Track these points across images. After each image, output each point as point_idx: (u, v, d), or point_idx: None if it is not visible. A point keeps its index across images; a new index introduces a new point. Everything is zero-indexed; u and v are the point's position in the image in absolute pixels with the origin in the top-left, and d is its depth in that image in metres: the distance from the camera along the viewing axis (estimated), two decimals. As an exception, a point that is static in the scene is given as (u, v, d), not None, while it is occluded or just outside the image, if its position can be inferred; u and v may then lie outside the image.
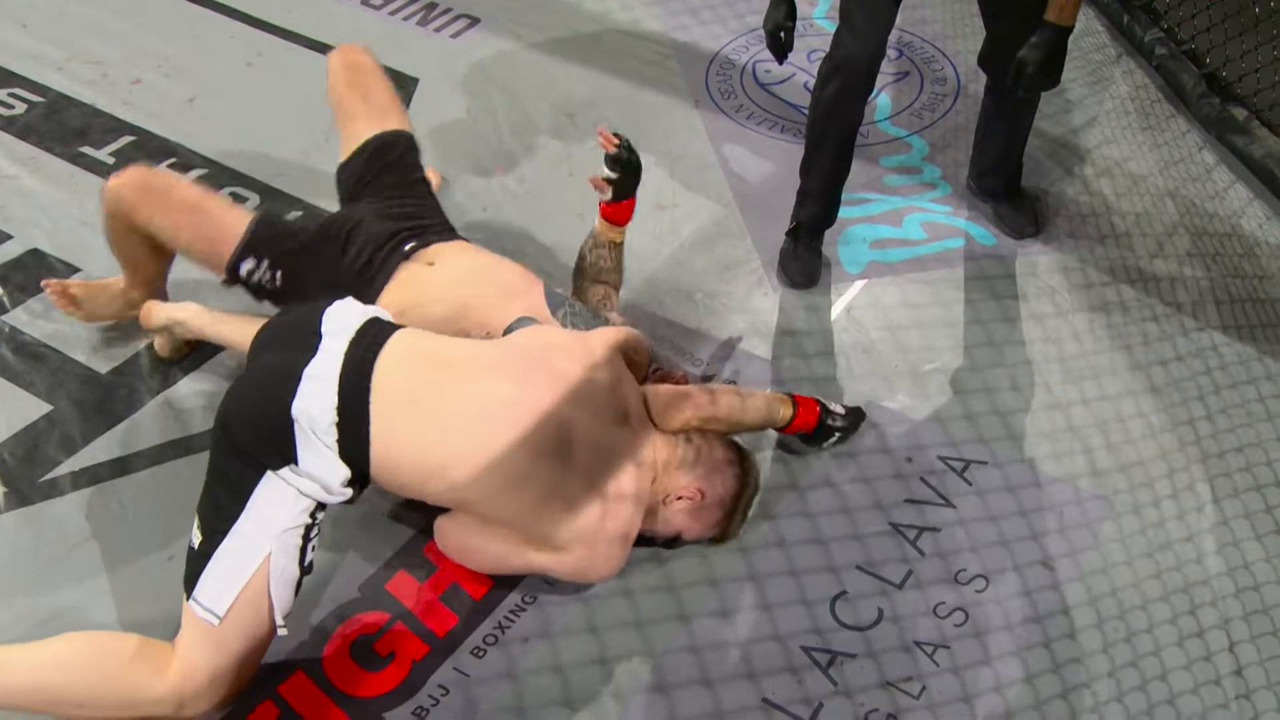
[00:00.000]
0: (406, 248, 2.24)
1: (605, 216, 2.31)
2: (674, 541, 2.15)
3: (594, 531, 1.94)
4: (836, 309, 2.70)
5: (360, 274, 2.20)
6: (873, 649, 2.05)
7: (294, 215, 2.83)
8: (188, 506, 1.84)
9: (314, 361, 1.81)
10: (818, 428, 2.26)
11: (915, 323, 2.68)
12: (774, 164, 3.11)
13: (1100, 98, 3.37)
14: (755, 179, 3.06)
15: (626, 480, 1.97)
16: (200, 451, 2.25)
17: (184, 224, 2.21)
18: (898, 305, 2.72)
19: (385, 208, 2.33)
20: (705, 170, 3.07)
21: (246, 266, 2.22)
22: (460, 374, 1.90)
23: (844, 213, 2.95)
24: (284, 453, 1.78)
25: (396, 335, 1.91)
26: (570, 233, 2.77)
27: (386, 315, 1.99)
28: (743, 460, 2.14)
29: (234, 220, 2.25)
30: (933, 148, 3.19)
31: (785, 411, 2.22)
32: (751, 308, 2.70)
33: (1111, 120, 3.30)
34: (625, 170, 2.26)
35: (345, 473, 1.82)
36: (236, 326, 2.27)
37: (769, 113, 3.28)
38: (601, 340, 2.07)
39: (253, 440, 1.78)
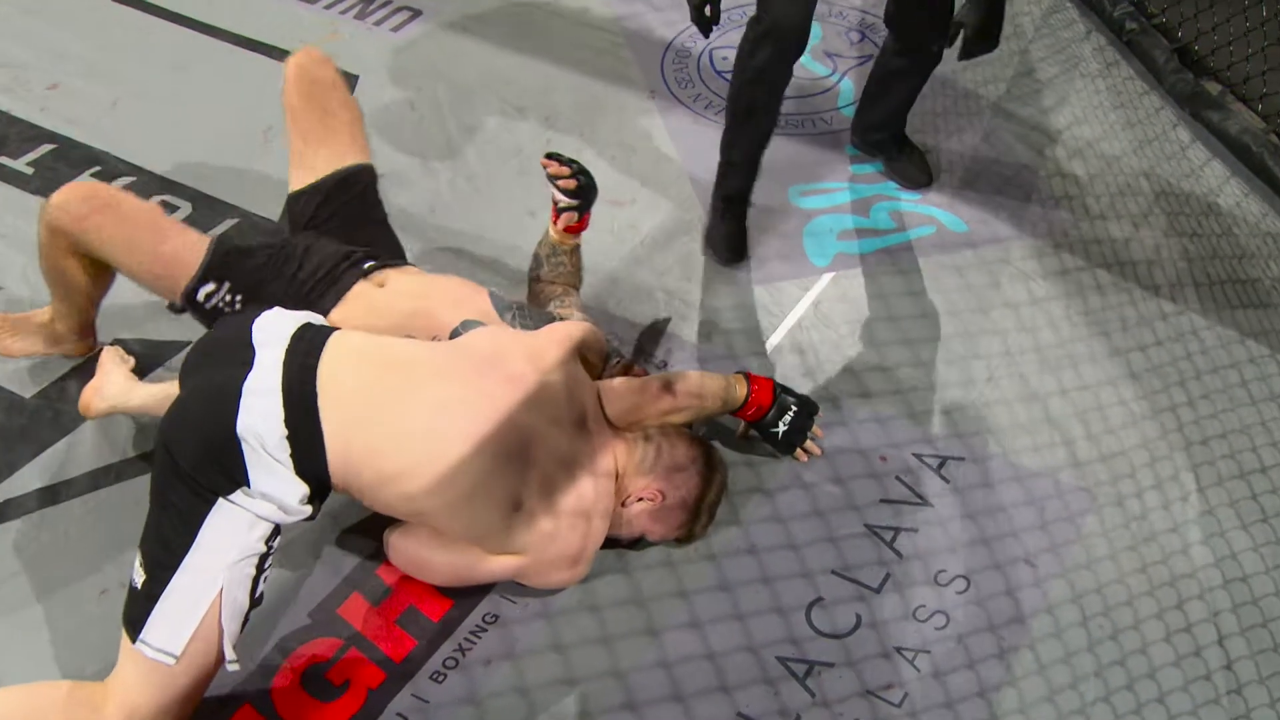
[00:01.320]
0: (365, 265, 2.25)
1: (566, 230, 2.35)
2: (639, 541, 2.18)
3: (554, 535, 1.96)
4: (804, 304, 2.72)
5: (315, 289, 2.20)
6: (851, 657, 2.07)
7: (230, 224, 2.81)
8: (121, 537, 1.83)
9: (252, 375, 1.80)
10: (773, 405, 2.26)
11: (886, 315, 2.70)
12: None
13: (1070, 76, 3.42)
14: (715, 167, 3.06)
15: (586, 485, 1.99)
16: (134, 477, 2.24)
17: (139, 242, 2.15)
18: (867, 298, 2.74)
19: (344, 238, 2.34)
20: (663, 163, 3.08)
21: (206, 290, 2.17)
22: (411, 377, 1.91)
23: (809, 203, 2.98)
24: (234, 476, 1.76)
25: (335, 337, 1.91)
26: (523, 232, 2.79)
27: (319, 319, 2.00)
28: (706, 458, 2.16)
29: (192, 243, 2.20)
30: (899, 133, 3.22)
31: (741, 390, 2.23)
32: (715, 305, 2.71)
33: (1082, 99, 3.35)
34: (585, 196, 2.31)
35: (303, 489, 1.81)
36: None
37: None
38: (552, 339, 2.08)
39: (199, 467, 1.76)
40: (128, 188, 2.88)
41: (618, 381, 2.14)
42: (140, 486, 2.19)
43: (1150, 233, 2.94)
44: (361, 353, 1.91)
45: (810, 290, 2.76)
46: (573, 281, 2.41)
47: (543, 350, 2.05)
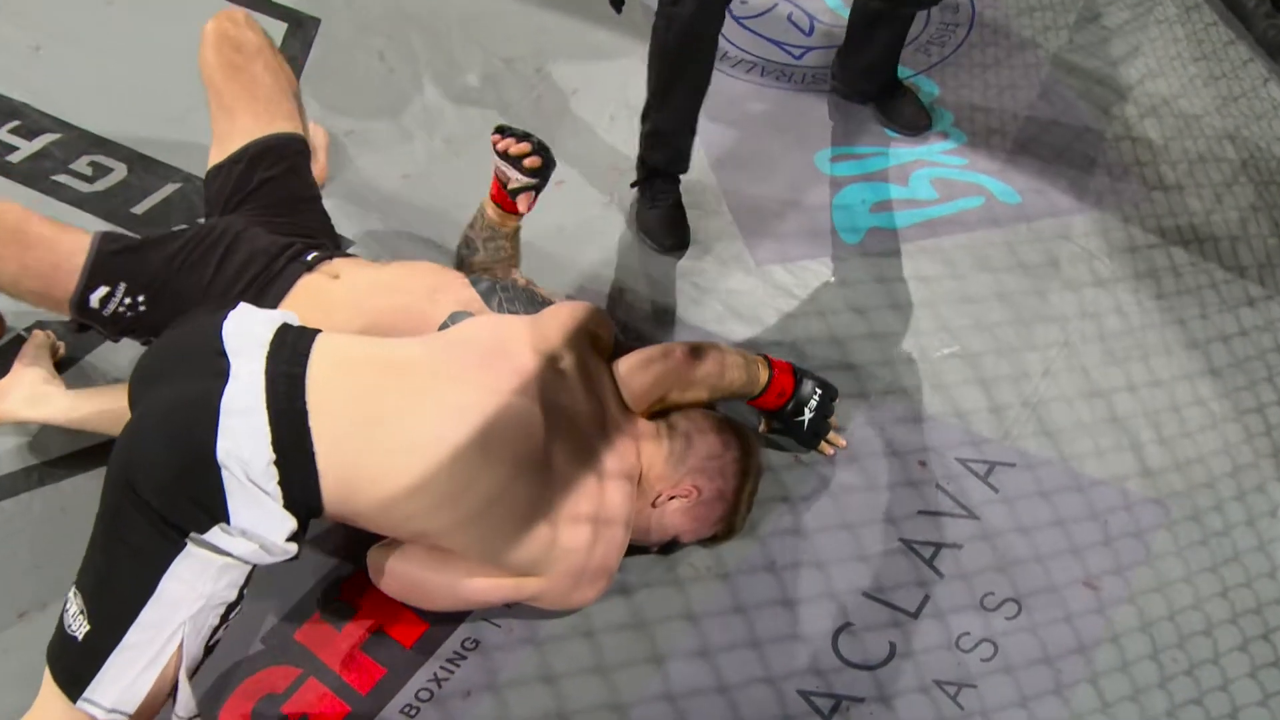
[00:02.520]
0: (308, 257, 2.23)
1: (511, 211, 2.36)
2: (671, 545, 2.19)
3: (577, 551, 1.95)
4: (832, 286, 2.72)
5: (250, 287, 2.17)
6: (884, 691, 2.07)
7: (173, 189, 2.82)
8: (43, 551, 1.81)
9: (229, 390, 1.75)
10: (796, 390, 2.28)
11: (927, 300, 2.71)
12: (755, 115, 3.14)
13: (1143, 23, 3.41)
14: (732, 135, 3.08)
15: (612, 489, 1.99)
16: (59, 481, 2.24)
17: (6, 257, 2.10)
18: (905, 279, 2.75)
19: (272, 224, 2.32)
20: None
21: (98, 296, 2.13)
22: (411, 381, 1.89)
23: (839, 170, 2.98)
24: (210, 509, 1.72)
25: (320, 341, 1.88)
26: (547, 209, 2.80)
27: (294, 318, 1.96)
28: (742, 441, 2.17)
29: (69, 244, 2.13)
30: (944, 89, 3.23)
31: (762, 373, 2.25)
32: (729, 288, 2.72)
33: (1156, 50, 3.35)
34: (546, 174, 2.32)
35: (290, 524, 1.77)
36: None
37: (748, 53, 3.32)
38: (558, 323, 2.09)
39: (169, 500, 1.70)
40: (51, 146, 2.89)
41: (634, 355, 2.15)
42: (67, 493, 2.21)
43: (1235, 205, 2.94)
44: (353, 358, 1.89)
45: (839, 270, 2.76)
46: (511, 265, 2.43)
47: (551, 336, 2.05)
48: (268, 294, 2.16)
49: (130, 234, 2.29)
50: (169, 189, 2.83)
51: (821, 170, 3.00)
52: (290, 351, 1.83)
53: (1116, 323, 2.67)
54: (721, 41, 3.30)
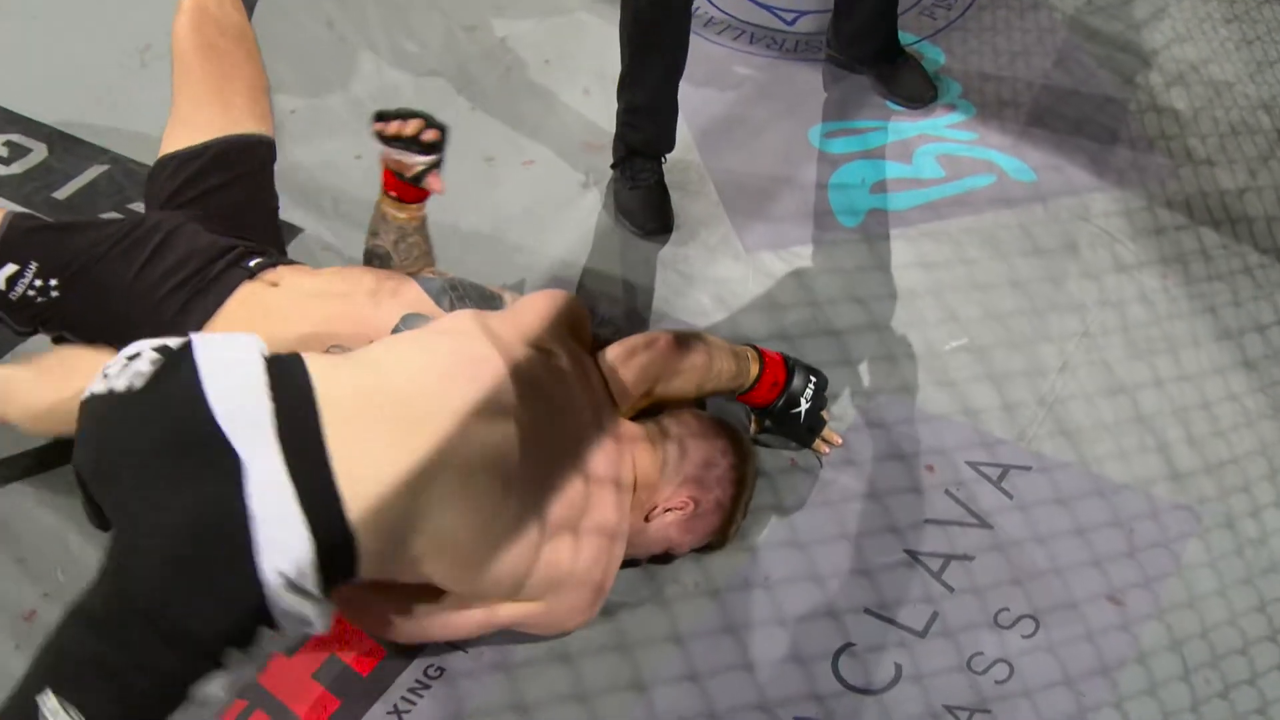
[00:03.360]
0: (250, 263, 2.22)
1: (412, 199, 2.30)
2: (662, 558, 2.21)
3: (572, 571, 1.97)
4: (828, 274, 2.73)
5: (182, 288, 2.15)
6: (889, 717, 2.06)
7: (98, 171, 2.81)
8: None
9: (254, 496, 1.67)
10: (789, 380, 2.29)
11: (932, 288, 2.71)
12: (743, 86, 3.15)
13: (1169, -19, 3.44)
14: (717, 108, 3.09)
15: (608, 503, 2.01)
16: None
17: None
18: (908, 265, 2.75)
19: (217, 225, 2.30)
20: None
21: (5, 274, 2.12)
22: (429, 421, 1.84)
23: (835, 147, 2.98)
24: (254, 627, 1.71)
25: (322, 393, 1.80)
26: (478, 182, 2.82)
27: (264, 347, 1.90)
28: (737, 446, 2.18)
29: None
30: (950, 56, 3.24)
31: (753, 364, 2.26)
32: (717, 275, 2.72)
33: (1184, 11, 3.36)
34: (444, 144, 2.25)
35: (329, 611, 1.80)
36: (39, 383, 2.08)
37: (735, 18, 3.33)
38: (538, 318, 2.10)
39: (208, 635, 1.68)
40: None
41: (617, 346, 2.16)
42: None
43: (1271, 181, 2.95)
44: (366, 411, 1.82)
45: (836, 256, 2.77)
46: (428, 261, 2.39)
47: (534, 333, 2.06)
48: (203, 298, 2.15)
49: (44, 219, 2.28)
50: (94, 172, 2.82)
51: (816, 147, 3.01)
52: (301, 424, 1.76)
53: (1141, 312, 2.68)
54: (706, 5, 3.33)
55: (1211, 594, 2.25)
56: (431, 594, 1.97)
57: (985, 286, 2.72)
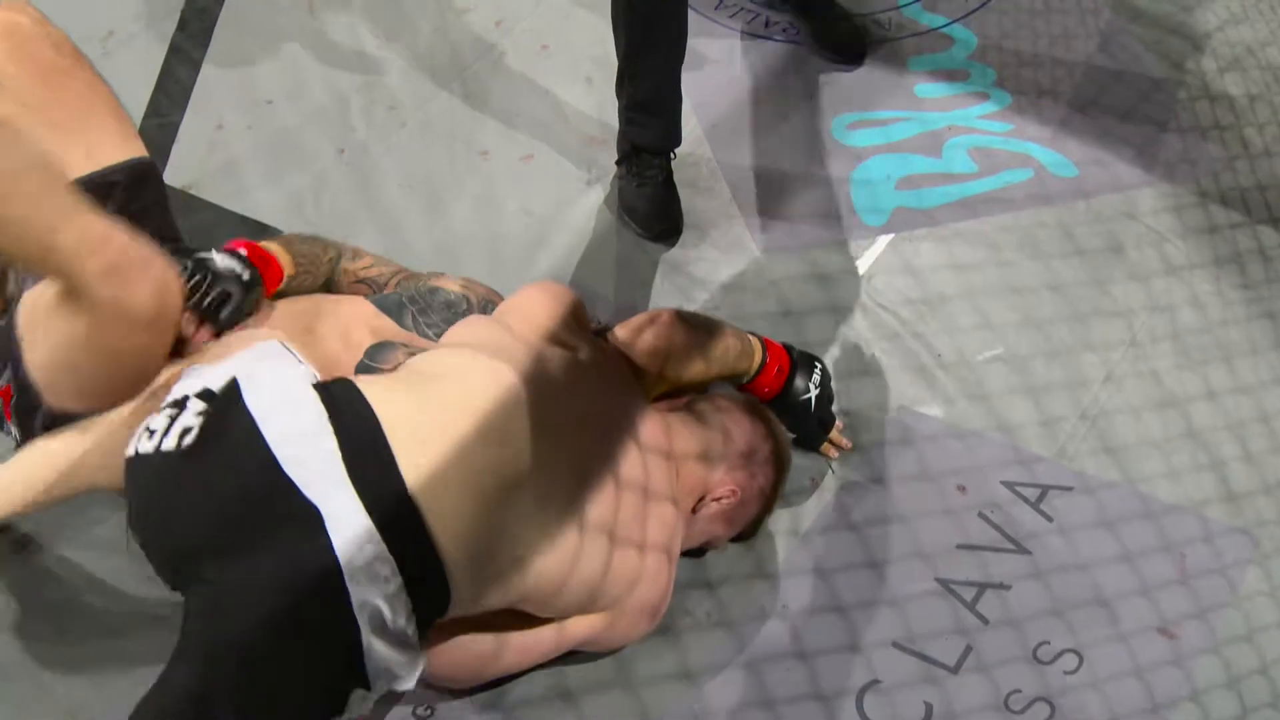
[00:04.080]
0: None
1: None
2: (697, 552, 2.24)
3: (639, 575, 1.99)
4: (851, 277, 2.73)
5: None
6: (919, 762, 2.07)
7: None
8: None
9: (341, 548, 1.66)
10: (792, 369, 2.32)
11: (965, 292, 2.70)
12: (757, 74, 3.15)
13: (1223, -43, 3.43)
14: (729, 98, 3.09)
15: (665, 504, 2.05)
16: None
17: None
18: (939, 268, 2.75)
19: None
20: None
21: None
22: (496, 436, 1.85)
23: (858, 139, 2.98)
24: (347, 701, 1.74)
25: (385, 414, 1.79)
26: (469, 178, 2.83)
27: (313, 375, 1.88)
28: (773, 429, 2.25)
29: None
30: (983, 40, 3.23)
31: (756, 345, 2.31)
32: (728, 279, 2.72)
33: (1240, -11, 3.37)
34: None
35: (421, 664, 1.80)
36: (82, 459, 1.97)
37: (748, 1, 3.35)
38: (547, 315, 2.11)
39: (320, 689, 1.72)
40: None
41: (622, 328, 2.21)
42: None
43: (1332, 176, 2.95)
44: (433, 433, 1.81)
45: (860, 258, 2.77)
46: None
47: (556, 333, 2.08)
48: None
49: None
50: None
51: (838, 139, 3.01)
52: (373, 457, 1.74)
53: (1192, 317, 2.67)
54: (723, -14, 3.33)
55: (1272, 626, 2.24)
56: (501, 624, 1.97)
57: (1022, 291, 2.71)
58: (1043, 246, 2.79)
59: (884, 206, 2.87)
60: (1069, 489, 2.39)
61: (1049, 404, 2.52)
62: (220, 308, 2.04)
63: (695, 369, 2.23)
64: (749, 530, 2.25)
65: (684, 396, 2.27)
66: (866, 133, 3.00)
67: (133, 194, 2.20)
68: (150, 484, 1.74)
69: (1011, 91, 3.12)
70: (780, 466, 2.23)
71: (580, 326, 2.17)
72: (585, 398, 2.01)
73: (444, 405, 1.84)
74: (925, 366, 2.58)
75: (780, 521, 2.31)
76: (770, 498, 2.23)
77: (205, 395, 1.76)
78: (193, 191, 2.85)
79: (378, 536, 1.67)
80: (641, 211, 2.81)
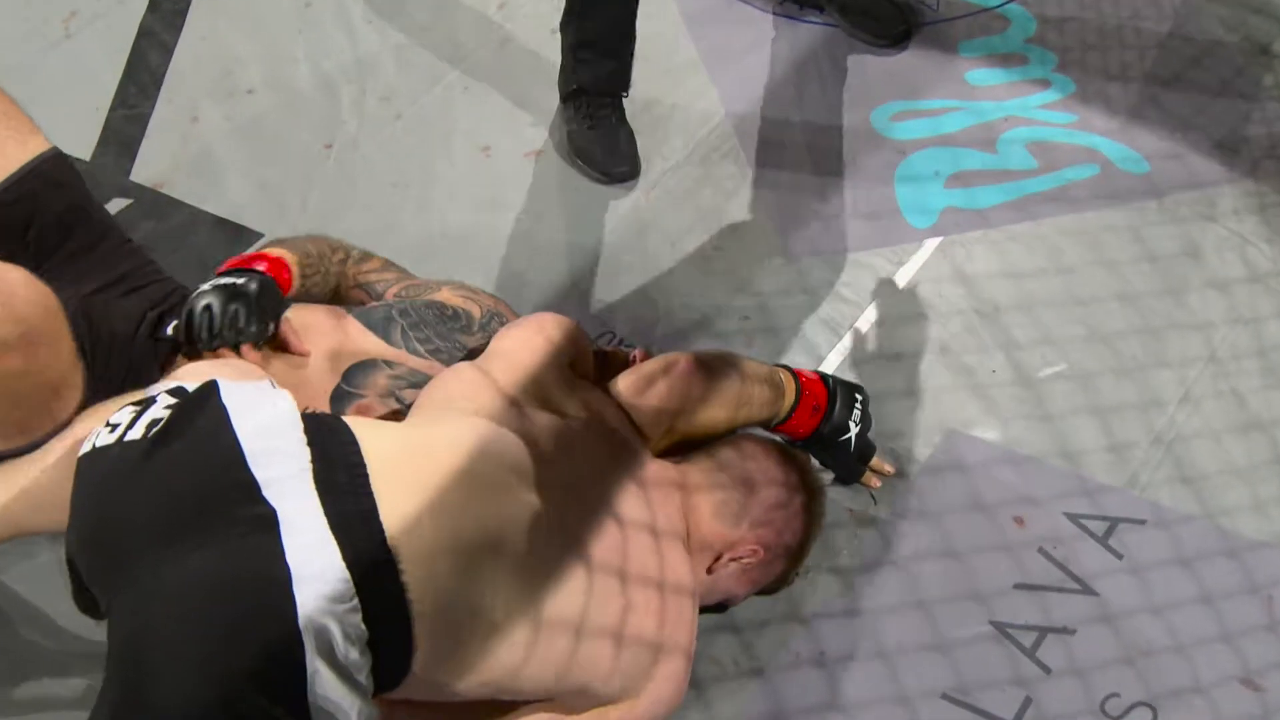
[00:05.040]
0: (169, 330, 2.18)
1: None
2: (718, 608, 2.22)
3: (660, 647, 1.96)
4: (893, 286, 2.73)
5: (122, 389, 2.07)
6: (972, 828, 2.06)
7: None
8: None
9: (292, 549, 1.65)
10: (830, 406, 2.30)
11: (1022, 302, 2.69)
12: (791, 59, 3.15)
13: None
14: (760, 84, 3.10)
15: (679, 560, 2.03)
16: None
17: None
18: (993, 275, 2.74)
19: (99, 280, 2.25)
20: (676, 61, 3.13)
21: None
22: (483, 486, 1.85)
23: (905, 132, 2.98)
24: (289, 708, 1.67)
25: (365, 444, 1.80)
26: (471, 176, 2.84)
27: (286, 395, 1.88)
28: (807, 478, 2.20)
29: None
30: (1043, 21, 3.23)
31: (790, 385, 2.28)
32: (756, 286, 2.72)
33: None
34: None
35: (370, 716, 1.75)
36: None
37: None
38: (535, 361, 2.09)
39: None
40: None
41: (629, 375, 2.18)
42: None
43: None
44: (416, 470, 1.82)
45: (906, 263, 2.76)
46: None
47: (542, 387, 2.06)
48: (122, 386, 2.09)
49: None
50: None
51: (880, 132, 3.01)
52: (345, 471, 1.76)
53: (1279, 330, 2.66)
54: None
55: (1372, 676, 2.22)
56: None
57: (1087, 301, 2.70)
58: (1110, 251, 2.78)
59: (932, 206, 2.86)
60: (1141, 522, 2.38)
61: (1118, 427, 2.51)
62: (238, 322, 2.05)
63: (714, 423, 2.21)
64: (773, 587, 2.23)
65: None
66: (912, 124, 3.00)
67: (48, 202, 2.22)
68: (103, 475, 1.74)
69: (1075, 78, 3.11)
70: (812, 521, 2.20)
71: (579, 370, 2.16)
72: (574, 462, 1.99)
73: (428, 449, 1.85)
74: (979, 385, 2.57)
75: (816, 557, 2.29)
76: (799, 555, 2.20)
77: (176, 392, 1.79)
78: (164, 190, 2.86)
79: (335, 549, 1.65)
80: (596, 155, 2.88)
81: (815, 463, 2.37)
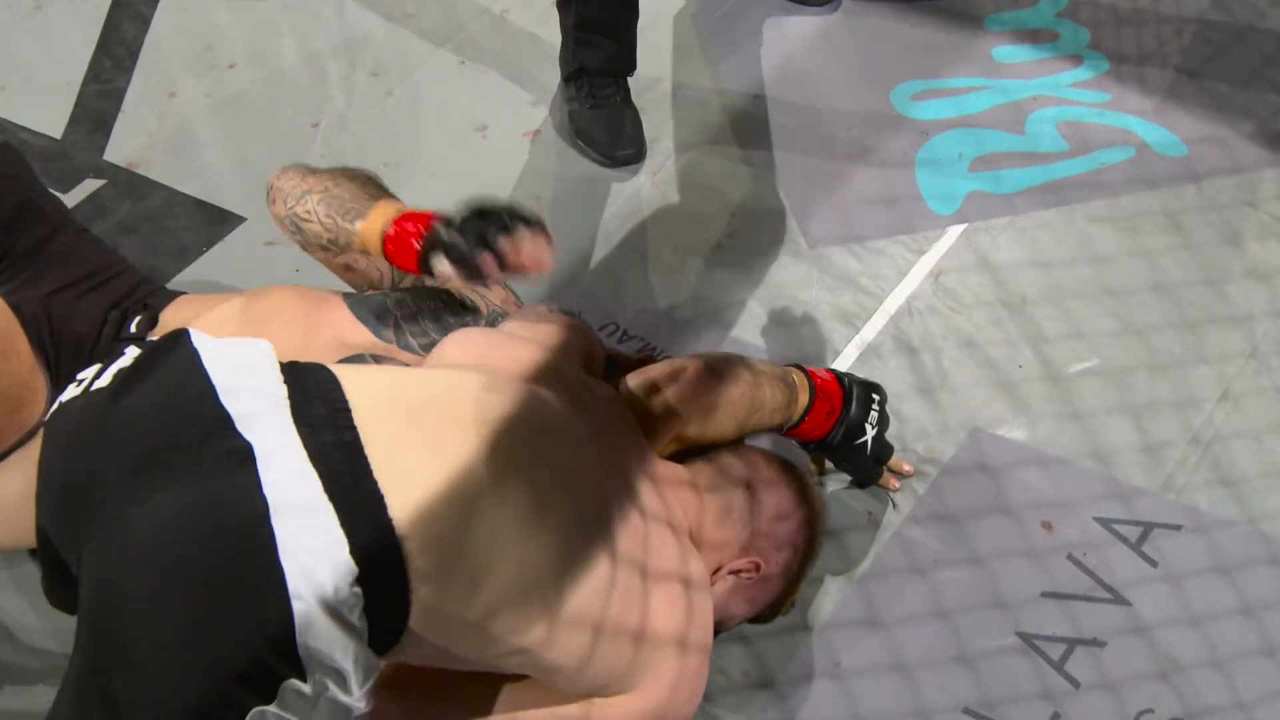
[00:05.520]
0: (133, 327, 2.21)
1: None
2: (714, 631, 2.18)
3: (685, 635, 1.94)
4: (916, 274, 2.72)
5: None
6: None
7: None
8: None
9: (269, 480, 1.65)
10: (846, 408, 2.29)
11: (1051, 294, 2.69)
12: (807, 35, 3.15)
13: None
14: (775, 63, 3.10)
15: (672, 552, 2.00)
16: None
17: None
18: (1021, 265, 2.74)
19: (58, 280, 2.26)
20: (683, 31, 3.12)
21: None
22: (487, 431, 1.84)
23: (926, 112, 2.97)
24: (277, 684, 1.64)
25: (347, 382, 1.82)
26: (467, 156, 2.83)
27: (264, 341, 1.90)
28: (809, 495, 2.17)
29: None
30: (1075, -5, 3.24)
31: (803, 389, 2.25)
32: (772, 276, 2.72)
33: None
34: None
35: (372, 665, 1.72)
36: None
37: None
38: (550, 340, 2.11)
39: (250, 667, 1.62)
40: None
41: (635, 378, 2.17)
42: None
43: None
44: (406, 411, 1.83)
45: (927, 252, 2.76)
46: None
47: (556, 360, 2.07)
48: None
49: None
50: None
51: (900, 112, 3.01)
52: (323, 406, 1.77)
53: (1327, 324, 2.66)
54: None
55: None
56: (507, 703, 1.96)
57: (1120, 292, 2.70)
58: (1145, 239, 2.78)
59: (955, 192, 2.86)
60: (1177, 527, 2.37)
61: (1153, 426, 2.51)
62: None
63: (722, 431, 2.20)
64: (768, 614, 2.19)
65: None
66: (935, 104, 2.99)
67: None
68: (69, 427, 1.75)
69: (1109, 55, 3.11)
70: (811, 542, 2.17)
71: (586, 367, 2.17)
72: (585, 440, 1.99)
73: (424, 390, 1.87)
74: (1005, 381, 2.57)
75: (831, 562, 2.30)
76: (796, 576, 2.16)
77: (144, 343, 1.81)
78: (139, 170, 2.86)
79: (316, 481, 1.65)
80: (599, 136, 2.89)
81: (830, 465, 2.37)
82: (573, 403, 2.01)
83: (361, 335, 2.18)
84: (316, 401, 1.75)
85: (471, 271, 1.95)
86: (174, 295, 2.30)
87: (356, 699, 1.69)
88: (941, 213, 2.83)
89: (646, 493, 2.02)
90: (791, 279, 2.72)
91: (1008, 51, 3.12)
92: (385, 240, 2.10)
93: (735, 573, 2.08)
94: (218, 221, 2.71)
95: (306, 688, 1.64)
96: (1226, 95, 3.03)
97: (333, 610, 1.62)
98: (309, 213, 2.20)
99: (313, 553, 1.61)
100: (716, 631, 2.14)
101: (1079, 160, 2.91)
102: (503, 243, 1.92)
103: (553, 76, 3.04)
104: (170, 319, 2.19)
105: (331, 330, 2.18)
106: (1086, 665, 2.20)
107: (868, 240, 2.78)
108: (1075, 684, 2.18)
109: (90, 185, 2.80)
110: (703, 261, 2.74)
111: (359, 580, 1.63)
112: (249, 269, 2.66)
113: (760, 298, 2.69)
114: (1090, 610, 2.26)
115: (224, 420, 1.67)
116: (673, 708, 1.94)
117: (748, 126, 2.97)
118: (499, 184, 2.71)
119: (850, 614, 2.26)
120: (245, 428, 1.67)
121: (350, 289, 2.31)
